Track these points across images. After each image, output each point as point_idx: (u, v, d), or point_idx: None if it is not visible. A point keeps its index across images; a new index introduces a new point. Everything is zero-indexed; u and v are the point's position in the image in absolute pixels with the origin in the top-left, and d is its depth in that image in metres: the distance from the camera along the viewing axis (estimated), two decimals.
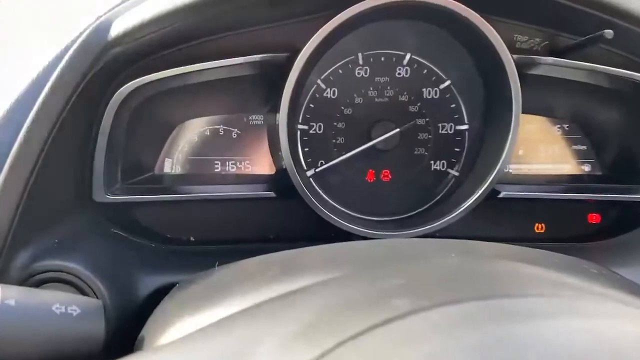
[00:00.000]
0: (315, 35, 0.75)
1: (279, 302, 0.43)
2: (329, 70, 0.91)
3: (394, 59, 0.92)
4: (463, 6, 0.75)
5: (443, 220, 0.86)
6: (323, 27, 0.75)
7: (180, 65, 0.78)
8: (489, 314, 0.32)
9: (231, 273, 0.62)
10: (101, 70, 0.71)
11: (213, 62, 0.77)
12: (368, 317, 0.33)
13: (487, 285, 0.38)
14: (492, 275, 0.42)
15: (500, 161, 0.83)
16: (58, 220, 0.75)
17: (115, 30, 0.70)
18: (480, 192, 0.85)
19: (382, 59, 0.92)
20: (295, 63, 0.76)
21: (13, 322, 0.51)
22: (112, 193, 0.81)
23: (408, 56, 0.92)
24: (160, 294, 0.77)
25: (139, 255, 0.81)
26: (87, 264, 0.71)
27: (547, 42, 0.83)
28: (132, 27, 0.70)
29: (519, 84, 0.79)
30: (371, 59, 0.92)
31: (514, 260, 0.53)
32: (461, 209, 0.86)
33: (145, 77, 0.75)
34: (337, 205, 0.92)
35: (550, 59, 0.80)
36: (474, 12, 0.75)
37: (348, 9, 0.74)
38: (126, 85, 0.74)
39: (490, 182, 0.84)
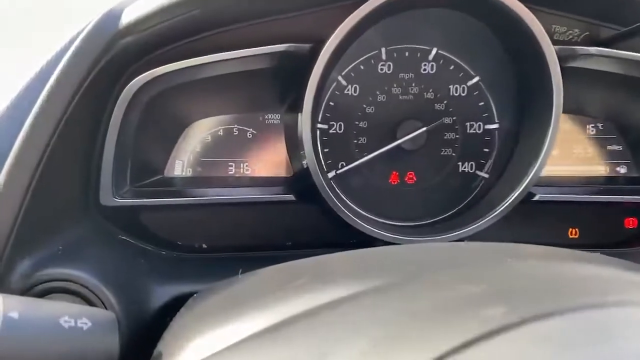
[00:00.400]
0: (343, 24, 0.70)
1: (331, 314, 0.37)
2: (350, 66, 0.85)
3: (418, 54, 0.86)
4: None
5: (476, 225, 0.80)
6: (352, 15, 0.69)
7: (185, 59, 0.72)
8: (599, 325, 0.26)
9: (256, 282, 0.56)
10: (110, 62, 0.65)
11: (229, 52, 0.71)
12: (460, 330, 0.27)
13: (579, 292, 0.32)
14: (573, 280, 0.36)
15: (539, 162, 0.78)
16: (62, 225, 0.69)
17: (126, 19, 0.65)
18: (516, 195, 0.79)
19: (407, 54, 0.86)
20: (321, 54, 0.71)
21: (16, 337, 0.45)
22: (121, 196, 0.75)
23: (434, 51, 0.86)
24: (174, 305, 0.71)
25: (149, 264, 0.75)
26: (94, 272, 0.65)
27: (587, 34, 0.77)
28: (144, 15, 0.65)
29: (560, 78, 0.73)
30: (395, 54, 0.86)
31: (577, 263, 0.48)
32: (495, 213, 0.80)
33: (158, 69, 0.69)
34: (359, 210, 0.86)
35: (594, 49, 0.75)
36: (518, 2, 0.70)
37: None
38: (138, 78, 0.69)
39: (527, 185, 0.79)
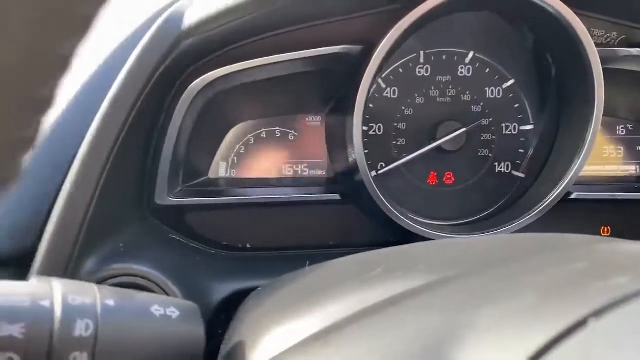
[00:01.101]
0: (395, 27, 0.72)
1: (435, 294, 0.39)
2: (390, 69, 0.88)
3: (455, 58, 0.89)
4: None
5: (516, 224, 0.82)
6: (405, 18, 0.72)
7: (244, 60, 0.74)
8: None
9: (329, 273, 0.57)
10: (173, 63, 0.67)
11: (287, 54, 0.73)
12: (593, 297, 0.29)
13: None
14: None
15: (579, 162, 0.80)
16: (122, 224, 0.70)
17: (188, 21, 0.67)
18: (556, 194, 0.81)
19: (444, 57, 0.89)
20: (374, 57, 0.73)
21: (115, 323, 0.46)
22: (174, 196, 0.76)
23: (471, 54, 0.89)
24: (228, 301, 0.73)
25: (204, 262, 0.77)
26: (158, 268, 0.67)
27: (623, 37, 0.80)
28: (206, 18, 0.67)
29: (602, 79, 0.76)
30: (432, 58, 0.89)
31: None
32: (535, 212, 0.82)
33: (217, 70, 0.71)
34: (401, 209, 0.88)
35: (635, 50, 0.78)
36: (564, 5, 0.72)
37: None
38: (199, 80, 0.70)
39: (567, 184, 0.81)
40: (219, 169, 0.88)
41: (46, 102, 0.25)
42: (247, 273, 0.78)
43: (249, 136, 0.89)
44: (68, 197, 0.62)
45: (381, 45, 0.72)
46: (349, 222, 0.87)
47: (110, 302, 0.47)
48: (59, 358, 0.43)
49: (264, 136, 0.89)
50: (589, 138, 0.79)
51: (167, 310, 0.50)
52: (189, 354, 0.50)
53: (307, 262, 0.61)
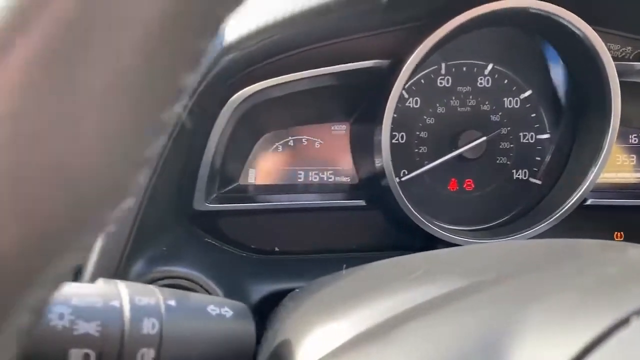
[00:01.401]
0: (424, 43, 0.76)
1: (482, 295, 0.42)
2: (412, 80, 0.91)
3: (475, 69, 0.93)
4: (572, 14, 0.76)
5: (536, 228, 0.86)
6: (435, 32, 0.75)
7: (280, 75, 0.78)
8: None
9: (367, 276, 0.61)
10: (215, 77, 0.71)
11: (319, 69, 0.77)
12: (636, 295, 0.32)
13: None
14: None
15: (595, 171, 0.84)
16: (165, 228, 0.74)
17: (230, 36, 0.70)
18: (573, 201, 0.85)
19: (464, 69, 0.93)
20: (403, 70, 0.77)
21: (178, 322, 0.50)
22: (210, 202, 0.80)
23: (490, 66, 0.92)
24: (263, 303, 0.76)
25: (237, 264, 0.80)
26: (200, 270, 0.70)
27: (637, 51, 0.84)
28: (246, 34, 0.70)
29: (619, 92, 0.80)
30: (453, 69, 0.92)
31: None
32: (553, 217, 0.86)
33: (257, 84, 0.75)
34: (424, 214, 0.92)
35: None
36: (583, 22, 0.76)
37: (462, 15, 0.74)
38: (239, 94, 0.74)
39: (584, 191, 0.85)
40: (249, 175, 0.92)
41: (165, 125, 0.29)
42: (277, 275, 0.81)
43: (276, 144, 0.92)
44: None
45: (410, 59, 0.76)
46: (372, 226, 0.91)
47: (172, 302, 0.51)
48: (129, 354, 0.47)
49: (291, 144, 0.93)
50: (606, 148, 0.83)
51: (222, 310, 0.54)
52: (242, 351, 0.53)
53: (344, 266, 0.65)
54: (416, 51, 0.76)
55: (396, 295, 0.52)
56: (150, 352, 0.48)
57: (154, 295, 0.50)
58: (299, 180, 0.94)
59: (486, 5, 0.75)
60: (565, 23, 0.78)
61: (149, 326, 0.48)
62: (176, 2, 0.27)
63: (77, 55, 0.25)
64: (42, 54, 0.24)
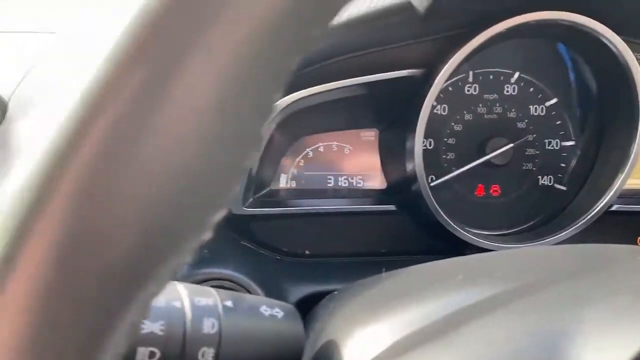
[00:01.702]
0: (458, 52, 0.78)
1: (531, 297, 0.44)
2: (441, 88, 0.93)
3: (502, 78, 0.95)
4: (602, 25, 0.78)
5: (563, 233, 0.88)
6: (470, 42, 0.77)
7: (315, 84, 0.80)
8: None
9: (408, 280, 0.63)
10: None
11: (355, 79, 0.79)
12: None
13: None
14: None
15: (622, 177, 0.86)
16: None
17: None
18: (600, 207, 0.87)
19: (491, 77, 0.95)
20: (438, 78, 0.79)
21: (235, 322, 0.52)
22: (248, 206, 0.82)
23: (516, 75, 0.95)
24: (304, 303, 0.78)
25: (272, 266, 0.83)
26: (242, 272, 0.72)
27: None
28: None
29: None
30: (480, 77, 0.94)
31: None
32: (580, 223, 0.88)
33: (299, 92, 0.77)
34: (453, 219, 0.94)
35: None
36: (612, 32, 0.78)
37: (496, 26, 0.77)
38: (279, 101, 0.76)
39: (610, 198, 0.87)
40: (280, 180, 0.94)
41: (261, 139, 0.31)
42: (311, 278, 0.83)
43: (307, 150, 0.95)
44: None
45: (444, 69, 0.78)
46: (401, 231, 0.93)
47: (229, 303, 0.53)
48: (191, 352, 0.49)
49: (322, 150, 0.95)
50: (632, 155, 0.85)
51: (273, 311, 0.56)
52: (292, 350, 0.55)
53: (383, 269, 0.67)
54: (450, 61, 0.78)
55: (441, 298, 0.54)
56: (210, 351, 0.50)
57: (211, 296, 0.52)
58: (329, 185, 0.96)
59: (520, 16, 0.77)
60: (596, 34, 0.80)
61: (209, 326, 0.50)
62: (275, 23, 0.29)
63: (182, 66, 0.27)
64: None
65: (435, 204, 0.85)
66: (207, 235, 0.32)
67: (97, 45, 0.86)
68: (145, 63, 0.26)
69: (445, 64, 0.78)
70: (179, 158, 0.28)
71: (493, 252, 0.63)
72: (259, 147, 0.33)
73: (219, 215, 0.32)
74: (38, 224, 0.26)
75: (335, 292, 0.69)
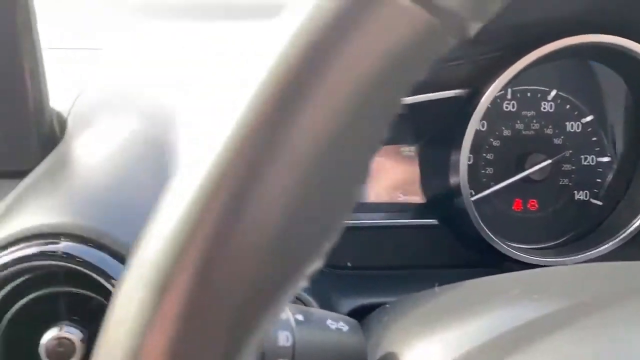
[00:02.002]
0: (505, 73, 0.81)
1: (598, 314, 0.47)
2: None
3: (539, 95, 0.97)
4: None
5: (601, 248, 0.90)
6: (514, 65, 0.80)
7: None
8: None
9: (464, 294, 0.65)
10: None
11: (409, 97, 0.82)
12: None
13: None
14: None
15: None
16: None
17: None
18: (639, 222, 0.89)
19: (529, 94, 0.97)
20: (484, 98, 0.81)
21: (305, 334, 0.54)
22: None
23: (554, 92, 0.97)
24: (354, 315, 0.81)
25: (323, 278, 0.85)
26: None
27: None
28: None
29: None
30: (518, 95, 0.97)
31: None
32: (618, 238, 0.90)
33: None
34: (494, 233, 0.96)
35: None
36: None
37: (543, 47, 0.79)
38: None
39: None
40: None
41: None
42: (357, 290, 0.86)
43: None
44: None
45: (491, 88, 0.81)
46: (441, 244, 0.95)
47: (300, 317, 0.55)
48: None
49: None
50: None
51: (339, 324, 0.58)
52: None
53: (436, 284, 0.69)
54: (497, 80, 0.80)
55: (499, 312, 0.56)
56: None
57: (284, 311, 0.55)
58: (370, 199, 0.98)
59: (564, 40, 0.79)
60: (633, 54, 0.83)
61: (283, 339, 0.53)
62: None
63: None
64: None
65: (478, 218, 0.87)
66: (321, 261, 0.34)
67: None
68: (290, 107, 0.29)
69: (492, 84, 0.81)
70: (302, 191, 0.31)
71: (546, 268, 0.66)
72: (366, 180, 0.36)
73: (333, 241, 0.34)
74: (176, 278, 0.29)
75: (387, 305, 0.72)
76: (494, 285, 0.64)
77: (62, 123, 0.83)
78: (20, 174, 0.78)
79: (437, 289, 0.69)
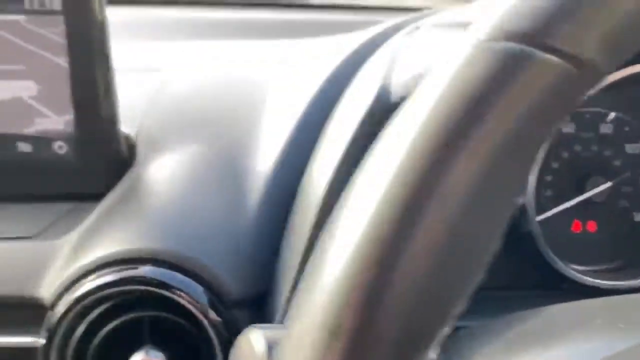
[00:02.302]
0: None
1: None
2: None
3: (598, 117, 0.98)
4: None
5: None
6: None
7: None
8: None
9: (544, 321, 0.65)
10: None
11: None
12: None
13: None
14: None
15: None
16: None
17: None
18: None
19: (587, 116, 0.98)
20: None
21: None
22: None
23: (612, 114, 0.97)
24: None
25: None
26: None
27: None
28: None
29: None
30: (577, 116, 0.97)
31: None
32: None
33: None
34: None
35: None
36: None
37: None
38: None
39: None
40: None
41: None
42: None
43: None
44: None
45: None
46: (499, 264, 0.96)
47: None
48: None
49: None
50: None
51: None
52: None
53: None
54: None
55: (586, 342, 0.57)
56: None
57: None
58: None
59: (631, 67, 0.80)
60: None
61: None
62: None
63: None
64: None
65: (543, 239, 0.87)
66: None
67: None
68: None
69: None
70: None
71: (626, 296, 0.66)
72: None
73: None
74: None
75: (462, 330, 0.72)
76: (574, 313, 0.65)
77: (132, 146, 0.85)
78: (92, 197, 0.80)
79: (514, 315, 0.70)
